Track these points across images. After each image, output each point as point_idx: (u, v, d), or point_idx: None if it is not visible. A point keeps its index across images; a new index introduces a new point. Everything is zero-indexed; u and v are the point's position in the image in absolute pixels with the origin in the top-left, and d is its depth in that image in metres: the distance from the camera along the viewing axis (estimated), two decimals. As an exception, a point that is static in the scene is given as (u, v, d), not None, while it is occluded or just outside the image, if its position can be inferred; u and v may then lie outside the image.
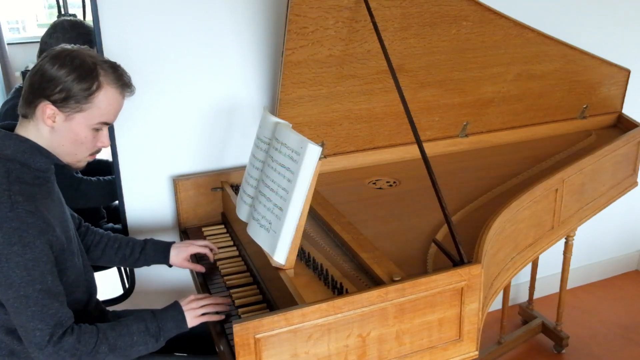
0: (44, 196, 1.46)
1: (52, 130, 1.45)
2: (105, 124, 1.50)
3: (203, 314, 1.56)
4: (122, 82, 1.49)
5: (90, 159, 1.54)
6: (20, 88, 1.54)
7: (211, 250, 1.91)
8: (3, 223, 1.33)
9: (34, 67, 1.45)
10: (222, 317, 1.59)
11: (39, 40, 2.12)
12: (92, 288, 1.67)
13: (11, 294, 1.34)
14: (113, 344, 1.42)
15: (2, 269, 1.33)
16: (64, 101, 1.42)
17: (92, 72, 1.44)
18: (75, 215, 1.78)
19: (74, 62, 1.43)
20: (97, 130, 1.49)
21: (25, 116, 1.47)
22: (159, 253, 1.86)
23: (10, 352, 1.49)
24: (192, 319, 1.54)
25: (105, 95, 1.46)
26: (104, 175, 2.25)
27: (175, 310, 1.54)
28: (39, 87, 1.42)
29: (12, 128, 1.50)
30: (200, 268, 1.86)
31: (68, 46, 1.47)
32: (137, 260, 1.85)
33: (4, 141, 1.44)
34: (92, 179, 2.22)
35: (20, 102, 1.47)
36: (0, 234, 1.32)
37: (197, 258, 1.91)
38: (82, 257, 1.63)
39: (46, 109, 1.42)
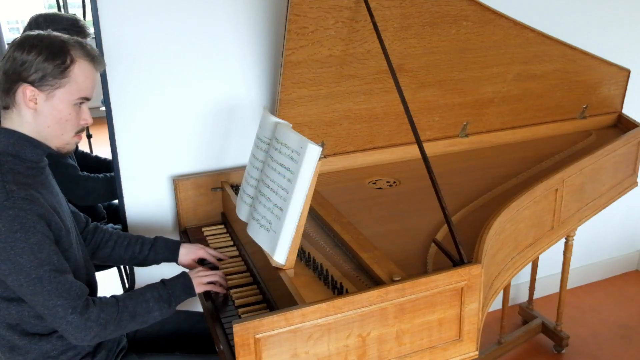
0: (39, 186, 1.47)
1: (35, 113, 1.47)
2: (85, 99, 1.52)
3: (209, 283, 1.65)
4: (92, 55, 1.52)
5: (76, 139, 1.56)
6: None
7: (219, 260, 1.89)
8: (2, 212, 1.35)
9: (3, 57, 1.47)
10: (225, 291, 1.68)
11: None
12: (92, 285, 1.68)
13: (23, 279, 1.37)
14: (133, 311, 1.49)
15: (9, 257, 1.35)
16: (41, 80, 1.44)
17: (63, 48, 1.46)
18: (81, 214, 1.79)
19: (43, 42, 1.45)
20: (78, 106, 1.51)
21: (6, 107, 1.48)
22: (168, 250, 1.86)
23: (11, 348, 1.50)
24: (199, 285, 1.63)
25: (80, 68, 1.48)
26: (106, 173, 2.26)
27: (183, 277, 1.64)
28: (14, 73, 1.44)
29: None
30: None
31: (32, 32, 1.49)
32: (146, 257, 1.85)
33: None
34: (98, 175, 2.23)
35: None
36: (1, 223, 1.35)
37: (201, 263, 1.89)
38: (83, 252, 1.64)
39: (26, 91, 1.44)
